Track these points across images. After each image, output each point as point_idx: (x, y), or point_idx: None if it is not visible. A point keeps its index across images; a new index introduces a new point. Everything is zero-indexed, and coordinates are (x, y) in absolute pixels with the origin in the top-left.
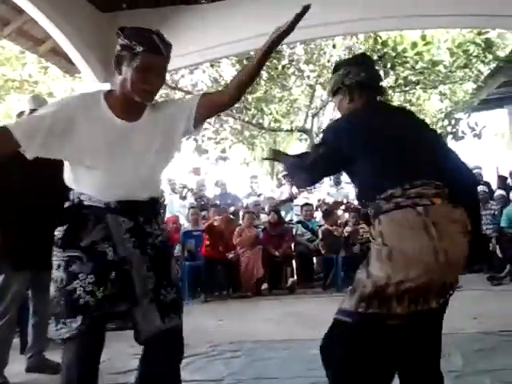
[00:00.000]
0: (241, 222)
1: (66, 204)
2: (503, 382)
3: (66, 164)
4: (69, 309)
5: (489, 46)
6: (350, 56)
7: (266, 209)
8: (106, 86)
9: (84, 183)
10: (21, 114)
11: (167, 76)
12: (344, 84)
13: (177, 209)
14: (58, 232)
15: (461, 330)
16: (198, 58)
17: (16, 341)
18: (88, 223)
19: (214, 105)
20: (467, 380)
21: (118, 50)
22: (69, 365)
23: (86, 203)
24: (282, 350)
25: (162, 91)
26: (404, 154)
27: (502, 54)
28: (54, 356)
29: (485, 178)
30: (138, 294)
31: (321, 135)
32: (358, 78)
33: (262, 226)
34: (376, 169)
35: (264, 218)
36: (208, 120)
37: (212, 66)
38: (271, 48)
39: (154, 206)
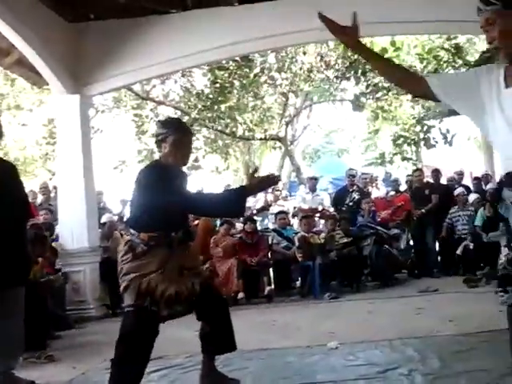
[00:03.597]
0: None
1: None
2: (479, 382)
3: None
4: None
5: (458, 51)
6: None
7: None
8: (75, 99)
9: None
10: None
11: (137, 86)
12: None
13: None
14: None
15: (437, 333)
16: (169, 67)
17: None
18: None
19: None
20: (444, 382)
21: None
22: None
23: None
24: (258, 359)
25: (133, 102)
26: None
27: (471, 59)
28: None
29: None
30: None
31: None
32: None
33: (238, 235)
34: None
35: (239, 226)
36: None
37: (183, 75)
38: None
39: None
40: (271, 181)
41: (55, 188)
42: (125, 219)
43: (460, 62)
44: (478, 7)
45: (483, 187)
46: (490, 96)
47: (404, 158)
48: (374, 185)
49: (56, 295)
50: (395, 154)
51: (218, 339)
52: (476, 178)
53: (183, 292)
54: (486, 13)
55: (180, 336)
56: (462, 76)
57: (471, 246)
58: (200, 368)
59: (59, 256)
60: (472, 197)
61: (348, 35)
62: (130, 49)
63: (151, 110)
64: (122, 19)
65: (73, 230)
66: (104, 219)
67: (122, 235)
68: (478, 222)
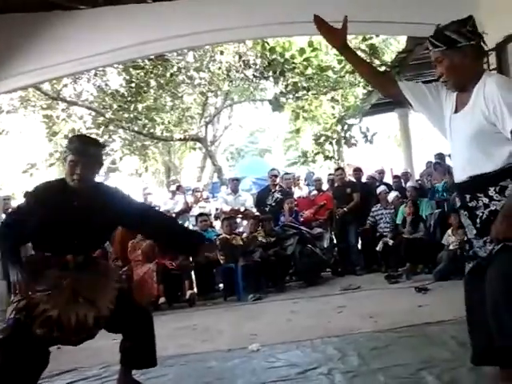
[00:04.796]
0: None
1: None
2: (396, 377)
3: None
4: None
5: (374, 51)
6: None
7: None
8: None
9: None
10: None
11: (47, 85)
12: None
13: None
14: None
15: (358, 330)
16: (79, 66)
17: None
18: None
19: None
20: (363, 379)
21: None
22: None
23: None
24: (178, 365)
25: (43, 102)
26: None
27: (387, 58)
28: None
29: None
30: None
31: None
32: None
33: None
34: None
35: None
36: (96, 131)
37: (96, 74)
38: None
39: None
40: None
41: None
42: None
43: (377, 62)
44: (427, 47)
45: (403, 185)
46: (447, 115)
47: (326, 157)
48: (296, 184)
49: None
50: (317, 153)
51: (138, 355)
52: (396, 177)
53: (69, 320)
54: (435, 53)
55: (95, 346)
56: (429, 90)
57: (390, 242)
58: (117, 378)
59: None
60: (391, 195)
61: (336, 37)
62: (36, 46)
63: (63, 110)
64: (25, 13)
65: None
66: None
67: None
68: (399, 219)
